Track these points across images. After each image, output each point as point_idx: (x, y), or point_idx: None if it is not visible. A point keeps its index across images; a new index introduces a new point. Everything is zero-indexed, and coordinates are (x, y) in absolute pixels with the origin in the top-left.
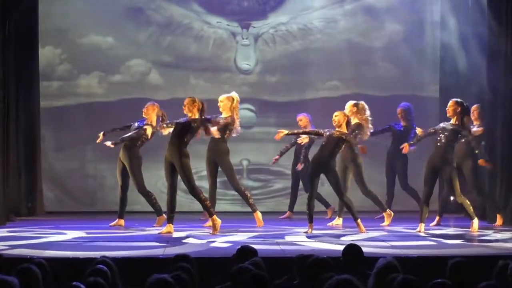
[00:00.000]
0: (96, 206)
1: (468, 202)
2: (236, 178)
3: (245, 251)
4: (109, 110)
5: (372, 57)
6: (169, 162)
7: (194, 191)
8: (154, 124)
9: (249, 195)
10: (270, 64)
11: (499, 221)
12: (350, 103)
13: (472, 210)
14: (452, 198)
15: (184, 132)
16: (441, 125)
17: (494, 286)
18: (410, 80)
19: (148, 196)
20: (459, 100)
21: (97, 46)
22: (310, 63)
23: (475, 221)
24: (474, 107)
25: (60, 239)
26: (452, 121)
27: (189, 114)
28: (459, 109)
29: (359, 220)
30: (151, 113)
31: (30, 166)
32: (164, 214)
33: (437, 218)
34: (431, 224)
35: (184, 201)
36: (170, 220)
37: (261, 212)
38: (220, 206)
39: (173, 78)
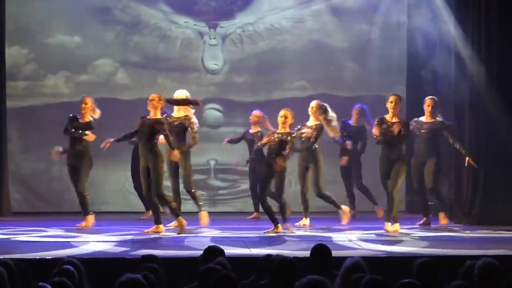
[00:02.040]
0: (63, 207)
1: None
2: (191, 180)
3: (212, 251)
4: (76, 110)
5: (339, 57)
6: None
7: (162, 193)
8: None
9: (198, 195)
10: (237, 64)
11: (443, 220)
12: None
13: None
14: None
15: (153, 133)
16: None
17: (465, 286)
18: (377, 80)
19: (83, 196)
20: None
21: (64, 45)
22: (278, 63)
23: (389, 224)
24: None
25: (27, 240)
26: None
27: (153, 112)
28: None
29: (286, 224)
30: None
31: None
32: (91, 214)
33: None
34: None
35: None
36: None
37: (228, 212)
38: (187, 206)
39: (141, 78)
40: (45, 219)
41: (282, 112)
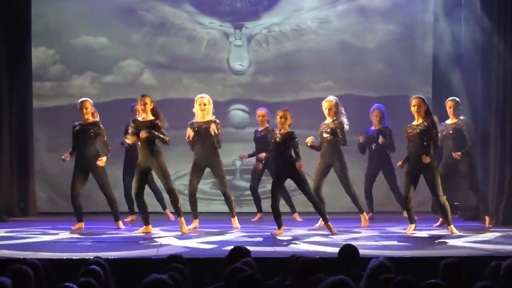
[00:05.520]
0: (89, 207)
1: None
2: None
3: (238, 252)
4: (102, 110)
5: (365, 58)
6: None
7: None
8: None
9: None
10: (263, 64)
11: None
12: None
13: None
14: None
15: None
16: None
17: (490, 286)
18: (403, 81)
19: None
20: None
21: (90, 46)
22: (303, 64)
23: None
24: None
25: (53, 240)
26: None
27: (144, 115)
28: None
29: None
30: None
31: (23, 167)
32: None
33: (440, 219)
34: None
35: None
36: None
37: (254, 212)
38: (213, 206)
39: (166, 79)
40: (71, 219)
41: (281, 113)
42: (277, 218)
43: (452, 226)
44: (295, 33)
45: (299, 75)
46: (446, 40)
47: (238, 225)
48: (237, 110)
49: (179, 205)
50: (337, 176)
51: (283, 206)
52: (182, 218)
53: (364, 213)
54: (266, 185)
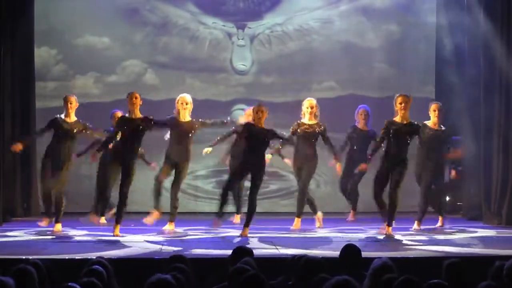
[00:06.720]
0: (89, 207)
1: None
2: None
3: (241, 252)
4: (104, 110)
5: (368, 58)
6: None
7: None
8: None
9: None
10: (266, 64)
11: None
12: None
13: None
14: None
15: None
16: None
17: (494, 286)
18: (406, 81)
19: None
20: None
21: (93, 46)
22: (306, 64)
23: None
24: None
25: (55, 240)
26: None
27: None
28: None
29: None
30: None
31: (25, 167)
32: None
33: (440, 218)
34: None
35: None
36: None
37: (256, 212)
38: (214, 206)
39: (169, 79)
40: (74, 219)
41: (257, 108)
42: (223, 204)
43: (391, 228)
44: (298, 33)
45: (302, 75)
46: (449, 40)
47: (173, 228)
48: (240, 110)
49: (122, 211)
50: (303, 173)
51: (284, 207)
52: (117, 225)
53: (300, 218)
54: (268, 185)
